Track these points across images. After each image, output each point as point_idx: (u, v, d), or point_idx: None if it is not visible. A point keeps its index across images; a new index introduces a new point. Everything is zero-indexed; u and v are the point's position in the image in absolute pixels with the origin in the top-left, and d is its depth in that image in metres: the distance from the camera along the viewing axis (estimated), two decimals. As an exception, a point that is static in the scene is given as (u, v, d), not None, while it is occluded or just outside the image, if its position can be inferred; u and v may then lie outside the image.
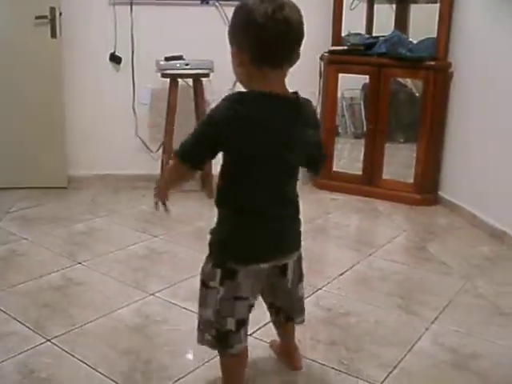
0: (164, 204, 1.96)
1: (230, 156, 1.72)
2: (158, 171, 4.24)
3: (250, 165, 1.68)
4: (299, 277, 1.95)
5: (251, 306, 1.80)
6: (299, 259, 1.93)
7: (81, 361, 2.08)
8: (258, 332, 2.29)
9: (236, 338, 1.76)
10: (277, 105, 1.64)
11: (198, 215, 3.77)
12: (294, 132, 1.65)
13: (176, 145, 4.28)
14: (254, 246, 1.73)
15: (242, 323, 1.77)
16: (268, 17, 1.52)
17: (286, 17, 1.53)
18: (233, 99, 1.63)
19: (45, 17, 3.92)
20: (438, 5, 3.94)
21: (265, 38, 1.55)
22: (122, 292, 2.64)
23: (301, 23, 1.58)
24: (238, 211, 1.75)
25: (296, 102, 1.68)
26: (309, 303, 2.55)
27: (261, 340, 2.25)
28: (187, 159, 1.78)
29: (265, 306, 2.02)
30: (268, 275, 1.81)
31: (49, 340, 2.21)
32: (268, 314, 2.07)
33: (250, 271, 1.73)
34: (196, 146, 1.74)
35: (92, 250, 3.11)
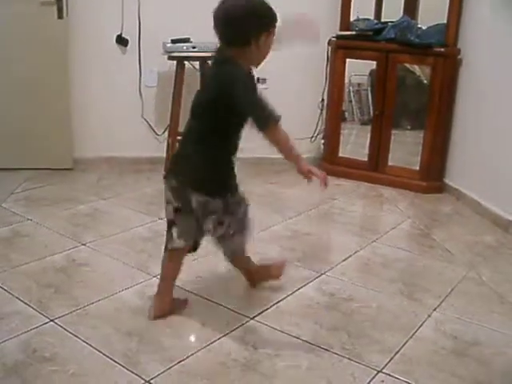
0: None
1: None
2: (164, 154, 4.24)
3: None
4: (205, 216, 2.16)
5: (176, 210, 2.19)
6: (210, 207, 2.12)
7: (84, 341, 2.09)
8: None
9: (168, 236, 2.24)
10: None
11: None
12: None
13: (183, 128, 4.27)
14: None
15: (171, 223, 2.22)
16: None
17: (218, 8, 2.03)
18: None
19: (51, -3, 3.90)
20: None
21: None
22: (125, 274, 2.65)
23: (229, 9, 2.01)
24: None
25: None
26: (312, 288, 2.58)
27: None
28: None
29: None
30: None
31: (52, 320, 2.22)
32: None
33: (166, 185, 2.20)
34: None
35: (96, 232, 3.12)
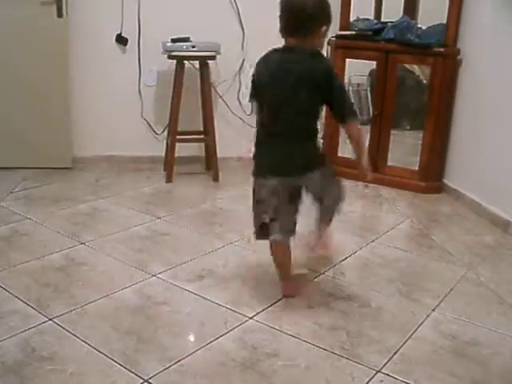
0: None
1: None
2: (163, 153, 4.25)
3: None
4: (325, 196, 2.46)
5: (275, 208, 2.29)
6: (320, 180, 2.35)
7: (82, 340, 2.09)
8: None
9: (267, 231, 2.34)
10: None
11: (202, 197, 3.78)
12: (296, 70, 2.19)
13: (182, 127, 4.25)
14: (258, 166, 2.35)
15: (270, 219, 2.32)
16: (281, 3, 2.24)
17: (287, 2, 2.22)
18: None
19: (51, -4, 3.90)
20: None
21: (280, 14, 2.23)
22: (124, 273, 2.65)
23: (301, 7, 2.17)
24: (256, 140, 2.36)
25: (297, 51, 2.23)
26: (311, 288, 2.59)
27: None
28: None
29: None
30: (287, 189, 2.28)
31: (51, 319, 2.22)
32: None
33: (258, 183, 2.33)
34: None
35: (95, 231, 3.12)
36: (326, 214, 2.56)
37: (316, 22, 2.21)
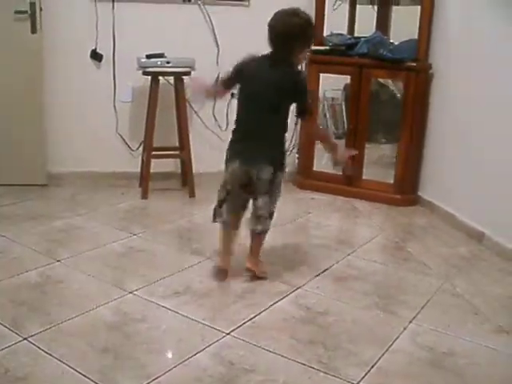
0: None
1: None
2: (138, 169, 4.24)
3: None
4: (263, 191, 2.64)
5: (227, 191, 2.68)
6: (269, 182, 2.61)
7: (58, 359, 2.07)
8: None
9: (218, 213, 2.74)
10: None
11: (178, 213, 3.77)
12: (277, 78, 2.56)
13: (157, 143, 4.26)
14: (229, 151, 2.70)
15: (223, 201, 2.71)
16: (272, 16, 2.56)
17: (276, 16, 2.54)
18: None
19: (25, 12, 3.87)
20: (419, 7, 3.96)
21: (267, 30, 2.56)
22: (100, 290, 2.63)
23: (289, 23, 2.50)
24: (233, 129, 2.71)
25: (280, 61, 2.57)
26: (287, 302, 2.58)
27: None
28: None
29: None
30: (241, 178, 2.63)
31: (25, 338, 2.19)
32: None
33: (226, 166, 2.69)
34: None
35: (71, 248, 3.09)
36: (256, 222, 2.71)
37: (298, 43, 2.54)
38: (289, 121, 2.65)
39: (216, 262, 2.86)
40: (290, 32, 2.50)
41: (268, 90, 2.54)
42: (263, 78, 2.56)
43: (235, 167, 2.63)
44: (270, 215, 2.71)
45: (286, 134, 2.71)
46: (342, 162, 2.99)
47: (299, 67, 2.77)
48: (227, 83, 2.73)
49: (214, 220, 2.77)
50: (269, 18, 2.57)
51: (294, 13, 2.53)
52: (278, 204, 2.74)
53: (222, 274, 2.78)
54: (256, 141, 2.60)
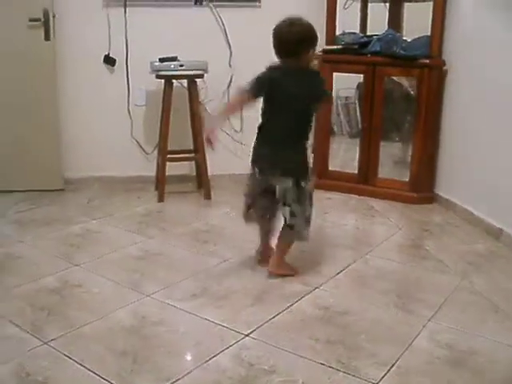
0: None
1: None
2: (154, 173, 4.25)
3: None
4: (288, 202, 2.71)
5: (252, 197, 2.83)
6: (292, 189, 2.67)
7: (78, 363, 2.08)
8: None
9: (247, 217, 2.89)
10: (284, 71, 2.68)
11: (194, 216, 3.77)
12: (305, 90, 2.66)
13: (172, 146, 4.27)
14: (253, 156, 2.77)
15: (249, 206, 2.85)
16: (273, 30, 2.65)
17: (278, 29, 2.63)
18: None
19: (38, 19, 3.91)
20: (431, 3, 3.94)
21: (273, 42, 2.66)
22: (118, 294, 2.64)
23: (290, 32, 2.61)
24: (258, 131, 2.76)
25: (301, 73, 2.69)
26: (306, 302, 2.58)
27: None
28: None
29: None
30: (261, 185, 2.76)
31: (46, 343, 2.20)
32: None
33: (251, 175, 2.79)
34: None
35: (88, 252, 3.11)
36: (284, 233, 2.80)
37: (302, 47, 2.63)
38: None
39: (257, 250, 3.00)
40: (295, 38, 2.61)
41: (299, 98, 2.64)
42: (292, 87, 2.63)
43: (256, 175, 2.75)
44: (306, 222, 2.80)
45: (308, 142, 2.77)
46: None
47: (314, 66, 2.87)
48: (255, 93, 2.65)
49: (247, 222, 2.91)
50: (280, 19, 2.59)
51: (291, 23, 2.63)
52: (312, 212, 2.81)
53: (263, 259, 2.94)
54: (280, 150, 2.66)
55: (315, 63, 3.01)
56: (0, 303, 2.52)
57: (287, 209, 2.71)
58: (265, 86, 2.65)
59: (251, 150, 2.76)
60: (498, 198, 3.38)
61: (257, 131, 2.74)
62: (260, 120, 2.73)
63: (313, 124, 2.76)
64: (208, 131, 2.69)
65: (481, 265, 3.05)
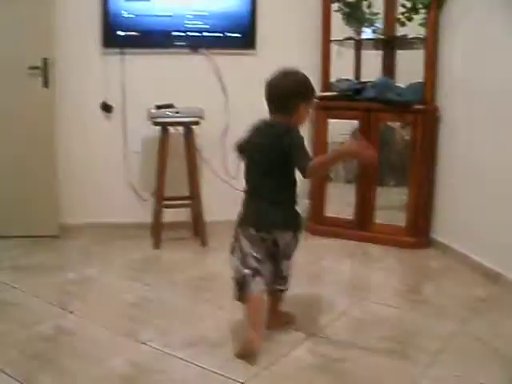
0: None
1: None
2: (150, 219, 4.24)
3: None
4: (287, 255, 2.58)
5: (257, 260, 2.48)
6: (292, 243, 2.56)
7: (72, 413, 2.04)
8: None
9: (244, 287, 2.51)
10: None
11: (190, 263, 3.76)
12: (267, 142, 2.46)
13: (168, 193, 4.26)
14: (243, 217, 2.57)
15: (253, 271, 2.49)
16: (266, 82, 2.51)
17: (270, 81, 2.50)
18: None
19: (37, 67, 3.97)
20: (423, 50, 4.01)
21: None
22: (113, 341, 2.60)
23: (279, 86, 2.48)
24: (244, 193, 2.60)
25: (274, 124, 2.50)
26: (303, 350, 2.55)
27: None
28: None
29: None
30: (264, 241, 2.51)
31: (39, 392, 2.17)
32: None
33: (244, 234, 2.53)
34: None
35: (83, 299, 3.08)
36: (282, 282, 2.65)
37: (294, 102, 2.47)
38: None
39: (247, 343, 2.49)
40: (285, 92, 2.48)
41: (263, 154, 2.48)
42: (258, 143, 2.51)
43: (252, 234, 2.50)
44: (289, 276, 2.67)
45: (297, 191, 2.58)
46: (363, 153, 2.29)
47: (300, 126, 2.53)
48: (240, 150, 2.67)
49: (240, 293, 2.55)
50: (275, 66, 2.58)
51: (286, 74, 2.51)
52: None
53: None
54: (266, 205, 2.49)
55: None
56: (-7, 352, 2.48)
57: (286, 262, 2.60)
58: (241, 149, 2.64)
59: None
60: (496, 242, 3.38)
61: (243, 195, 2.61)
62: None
63: (295, 177, 2.51)
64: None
65: (480, 309, 3.03)
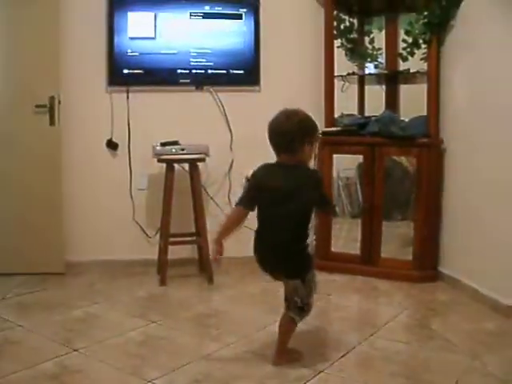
0: None
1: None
2: (156, 256, 4.23)
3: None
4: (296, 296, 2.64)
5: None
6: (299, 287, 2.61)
7: None
8: None
9: None
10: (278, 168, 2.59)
11: (196, 300, 3.73)
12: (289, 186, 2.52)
13: (174, 229, 4.25)
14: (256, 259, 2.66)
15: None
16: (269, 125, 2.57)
17: (273, 124, 2.56)
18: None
19: (44, 106, 4.02)
20: (425, 85, 4.03)
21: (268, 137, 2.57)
22: (119, 379, 2.57)
23: (282, 130, 2.52)
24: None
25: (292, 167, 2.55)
26: None
27: None
28: None
29: None
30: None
31: (43, 433, 2.13)
32: None
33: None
34: None
35: (89, 337, 3.05)
36: (290, 311, 2.68)
37: (298, 142, 2.51)
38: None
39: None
40: (288, 134, 2.51)
41: (285, 194, 2.51)
42: (277, 181, 2.54)
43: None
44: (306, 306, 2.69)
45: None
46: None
47: (310, 163, 2.66)
48: (248, 204, 2.61)
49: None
50: (280, 101, 2.61)
51: (287, 116, 2.54)
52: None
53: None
54: (279, 256, 2.58)
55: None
56: (-3, 391, 2.45)
57: (298, 300, 2.64)
58: (255, 192, 2.59)
59: (253, 238, 2.65)
60: (504, 275, 3.35)
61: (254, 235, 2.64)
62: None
63: (311, 223, 2.62)
64: (213, 254, 2.67)
65: (491, 344, 2.97)
